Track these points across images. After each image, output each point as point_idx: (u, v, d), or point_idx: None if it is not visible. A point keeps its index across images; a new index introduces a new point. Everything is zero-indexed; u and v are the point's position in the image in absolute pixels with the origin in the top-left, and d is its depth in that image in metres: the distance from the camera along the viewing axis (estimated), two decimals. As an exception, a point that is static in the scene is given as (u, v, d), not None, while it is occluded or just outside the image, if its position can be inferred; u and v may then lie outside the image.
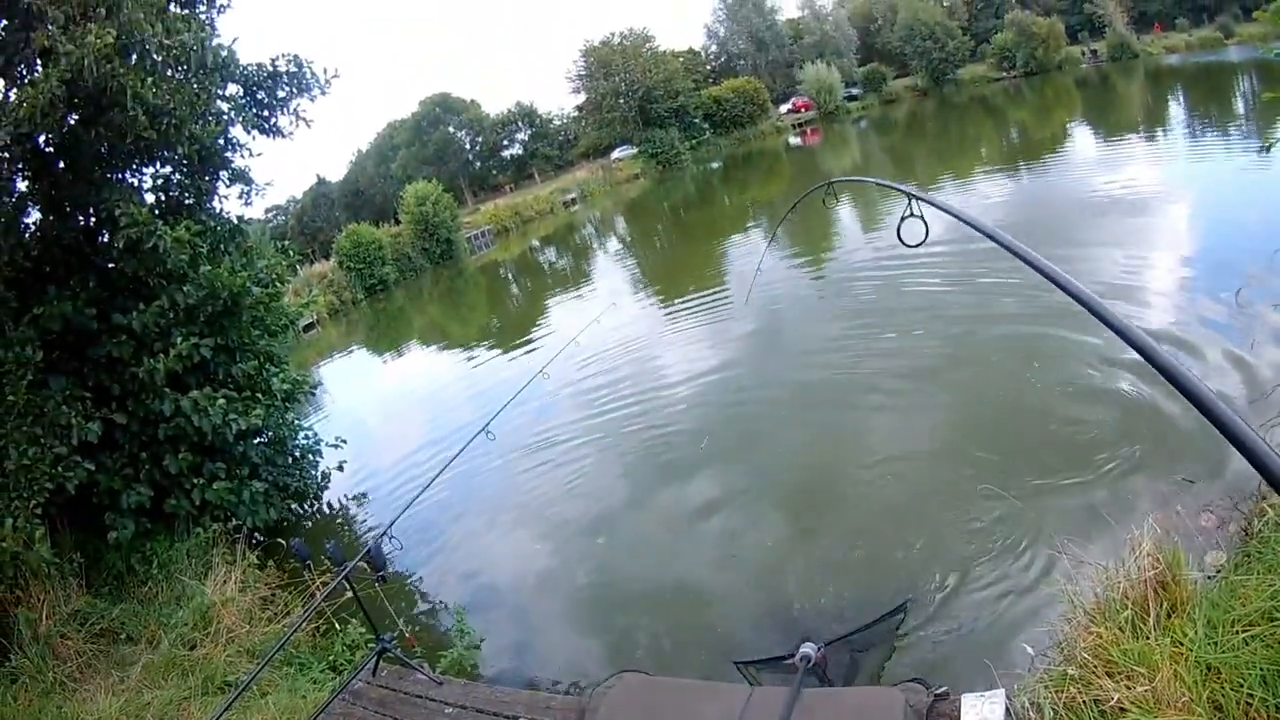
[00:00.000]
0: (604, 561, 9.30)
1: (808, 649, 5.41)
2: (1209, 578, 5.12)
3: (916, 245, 3.89)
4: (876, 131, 66.88)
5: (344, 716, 5.91)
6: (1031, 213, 20.13)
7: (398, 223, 51.66)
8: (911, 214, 3.73)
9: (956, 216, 3.15)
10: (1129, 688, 4.11)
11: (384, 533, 6.41)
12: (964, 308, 13.71)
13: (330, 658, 7.81)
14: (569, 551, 9.69)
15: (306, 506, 12.46)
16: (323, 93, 11.52)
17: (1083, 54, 79.89)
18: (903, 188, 3.98)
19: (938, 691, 4.73)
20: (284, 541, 9.95)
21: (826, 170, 48.80)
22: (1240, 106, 32.11)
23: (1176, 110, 36.70)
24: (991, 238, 2.84)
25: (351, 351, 31.12)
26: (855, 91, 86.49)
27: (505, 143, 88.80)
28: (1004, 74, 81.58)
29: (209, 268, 10.43)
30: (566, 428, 13.50)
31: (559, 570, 9.43)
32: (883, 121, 73.12)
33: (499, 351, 21.93)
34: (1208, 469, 7.47)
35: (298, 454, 12.23)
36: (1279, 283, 9.70)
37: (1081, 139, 30.30)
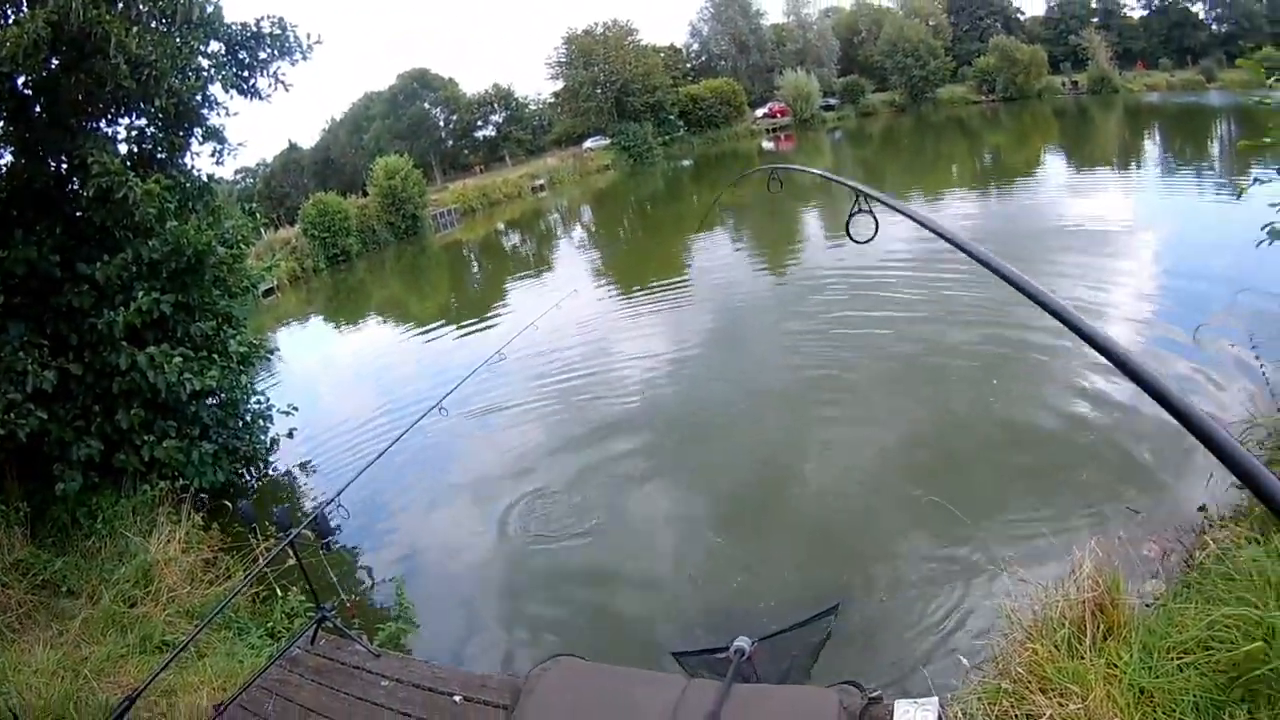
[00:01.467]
0: (547, 546, 9.34)
1: (742, 642, 5.49)
2: (1147, 605, 5.22)
3: (865, 241, 3.91)
4: (851, 143, 67.26)
5: (281, 683, 5.91)
6: (998, 235, 20.34)
7: (365, 194, 51.36)
8: (860, 210, 3.76)
9: (904, 214, 3.20)
10: (1061, 705, 4.19)
11: (331, 500, 6.41)
12: (928, 320, 13.88)
13: (269, 624, 7.79)
14: (513, 533, 9.72)
15: (254, 471, 12.38)
16: (304, 58, 11.47)
17: (1063, 84, 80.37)
18: (849, 183, 4.00)
19: (871, 695, 4.81)
20: (230, 504, 9.92)
21: (798, 177, 48.95)
22: (1216, 150, 32.57)
23: (1152, 148, 37.20)
24: (941, 235, 2.89)
25: (309, 320, 30.94)
26: (833, 102, 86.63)
27: (479, 123, 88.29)
28: (983, 97, 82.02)
29: (175, 224, 10.36)
30: (519, 410, 13.59)
31: (501, 552, 9.46)
32: (858, 134, 73.45)
33: (456, 330, 21.91)
34: (1155, 500, 7.64)
35: (249, 418, 12.14)
36: (1238, 324, 9.87)
37: (1055, 167, 30.69)
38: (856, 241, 3.97)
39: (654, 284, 21.72)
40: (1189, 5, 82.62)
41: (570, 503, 10.10)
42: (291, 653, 6.29)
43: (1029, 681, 4.40)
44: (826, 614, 6.79)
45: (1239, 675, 4.20)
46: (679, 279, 22.60)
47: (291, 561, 6.71)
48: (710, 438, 11.25)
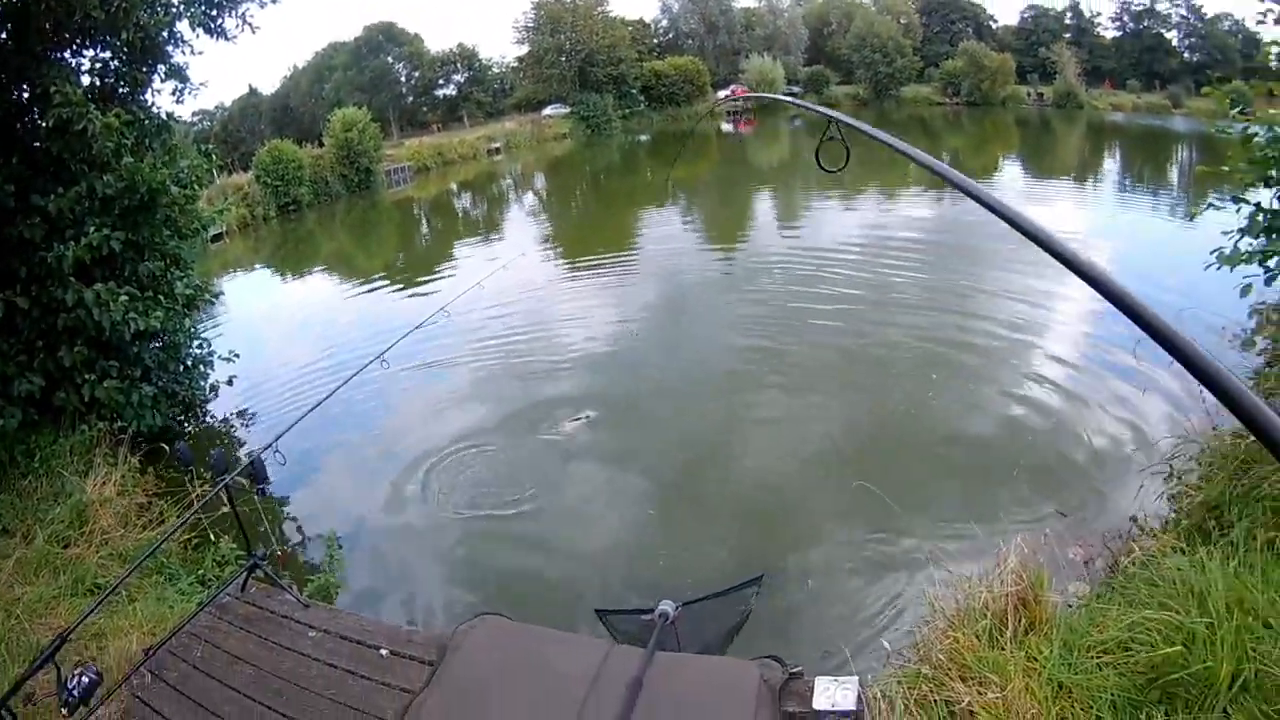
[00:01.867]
0: (478, 507, 9.41)
1: (666, 606, 5.60)
2: (1070, 605, 5.36)
3: (837, 170, 3.91)
4: (809, 132, 67.37)
5: (210, 629, 5.91)
6: (950, 235, 20.56)
7: (321, 145, 50.77)
8: (831, 137, 3.67)
9: (879, 140, 3.15)
10: (980, 693, 4.32)
11: (269, 447, 6.39)
12: (875, 309, 14.08)
13: (200, 571, 7.76)
14: (445, 492, 9.77)
15: (192, 417, 12.28)
16: (274, 1, 11.36)
17: (1028, 94, 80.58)
18: (822, 110, 3.93)
19: (792, 670, 4.90)
20: (166, 447, 9.86)
21: (755, 161, 49.23)
22: (1175, 175, 33.07)
23: (1111, 165, 37.67)
24: (914, 159, 2.82)
25: (255, 269, 30.60)
26: (796, 90, 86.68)
27: (441, 82, 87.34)
28: (946, 99, 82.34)
29: (132, 160, 10.18)
30: (460, 369, 13.67)
31: (432, 509, 9.52)
32: (818, 123, 73.59)
33: (401, 287, 21.87)
34: (1085, 507, 7.83)
35: (190, 362, 12.00)
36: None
37: (1012, 174, 31.04)
38: (826, 170, 3.95)
39: (602, 255, 21.79)
40: (1163, 31, 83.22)
41: (505, 466, 10.20)
42: (221, 599, 6.29)
43: (949, 669, 4.53)
44: (750, 584, 6.88)
45: (1157, 677, 4.35)
46: (628, 251, 22.68)
47: (225, 509, 6.70)
48: (647, 411, 11.42)
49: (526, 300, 17.26)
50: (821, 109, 4.03)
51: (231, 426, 12.62)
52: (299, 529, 9.42)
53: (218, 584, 7.02)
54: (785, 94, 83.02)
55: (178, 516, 8.21)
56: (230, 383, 12.61)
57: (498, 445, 10.67)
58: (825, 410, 10.69)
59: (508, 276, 14.78)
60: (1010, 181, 28.35)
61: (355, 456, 11.09)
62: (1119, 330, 11.24)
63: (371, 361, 7.54)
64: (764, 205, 27.19)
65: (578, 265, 21.46)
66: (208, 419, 12.63)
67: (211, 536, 8.01)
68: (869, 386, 11.20)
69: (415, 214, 42.80)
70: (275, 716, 5.10)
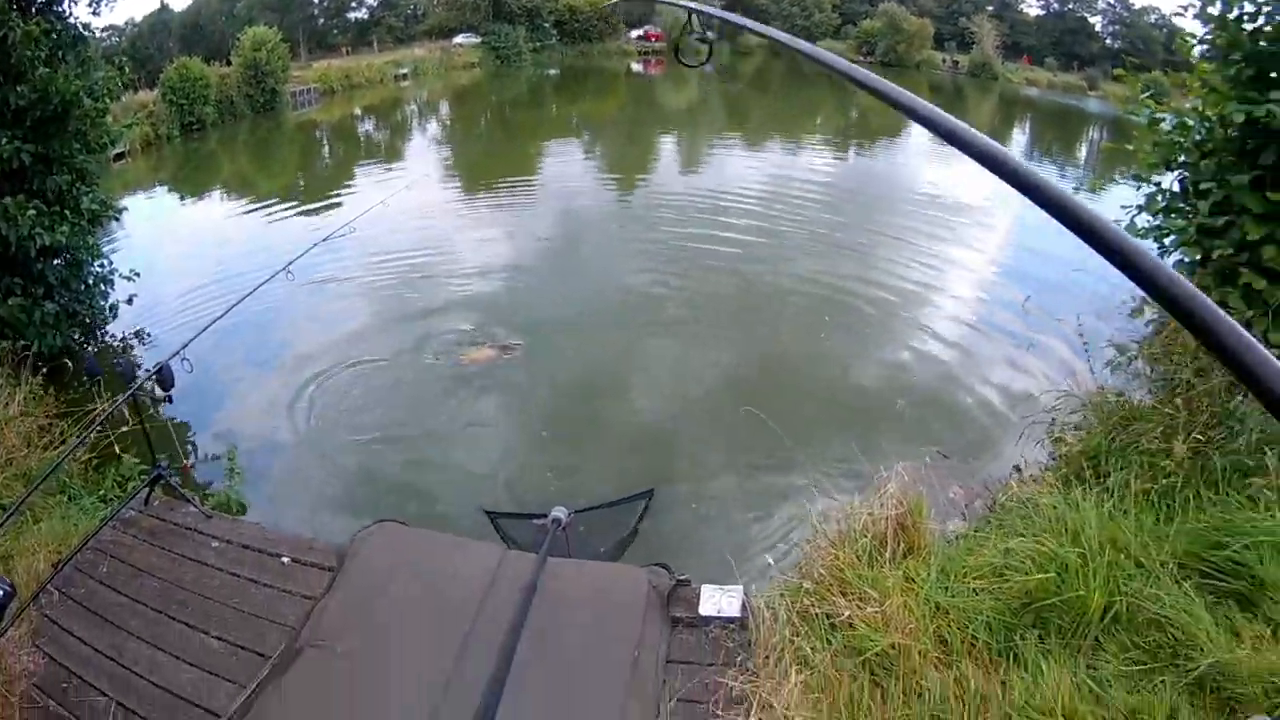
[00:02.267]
0: (377, 421, 9.59)
1: (559, 512, 5.79)
2: (948, 541, 5.66)
3: (696, 66, 3.94)
4: (719, 77, 67.16)
5: (115, 544, 5.97)
6: (854, 188, 20.86)
7: (229, 64, 49.42)
8: (692, 30, 3.66)
9: (744, 27, 3.10)
10: (860, 607, 4.60)
11: (176, 354, 6.42)
12: (775, 249, 14.31)
13: (101, 491, 7.73)
14: (345, 406, 9.94)
15: (91, 338, 12.05)
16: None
17: (943, 61, 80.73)
18: (684, 4, 3.88)
19: (680, 578, 5.17)
20: (70, 363, 9.74)
21: (662, 101, 49.19)
22: (1082, 151, 33.72)
23: (1021, 137, 38.24)
24: (801, 52, 2.67)
25: (156, 189, 29.75)
26: (711, 36, 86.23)
27: (353, 4, 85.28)
28: (861, 58, 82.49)
29: (46, 70, 9.96)
30: (362, 286, 13.74)
31: (332, 423, 9.66)
32: (729, 69, 73.39)
33: (302, 209, 21.54)
34: (965, 450, 8.17)
35: (91, 281, 11.75)
36: (1065, 298, 10.47)
37: (920, 135, 31.36)
38: (686, 65, 4.00)
39: (505, 184, 21.74)
40: (1087, 16, 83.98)
41: (403, 384, 10.39)
42: (126, 514, 6.36)
43: (830, 584, 4.80)
44: (641, 496, 7.16)
45: (1031, 602, 4.68)
46: (530, 182, 22.63)
47: (126, 429, 6.71)
48: (544, 336, 11.59)
49: (428, 224, 17.24)
50: (682, 2, 3.92)
51: (130, 346, 12.38)
52: (200, 443, 9.43)
53: (121, 501, 7.03)
54: (696, 37, 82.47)
55: (79, 436, 8.15)
56: (130, 301, 12.33)
57: (397, 363, 10.85)
58: (718, 344, 11.01)
59: (410, 200, 14.81)
60: (916, 142, 28.63)
61: (257, 372, 11.13)
62: (1011, 291, 11.67)
63: (279, 272, 7.57)
64: (667, 146, 27.23)
65: (479, 193, 21.40)
66: (107, 339, 12.39)
67: (116, 450, 7.95)
68: (762, 324, 11.49)
69: (318, 136, 42.00)
70: (180, 627, 5.21)
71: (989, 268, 13.67)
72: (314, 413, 9.83)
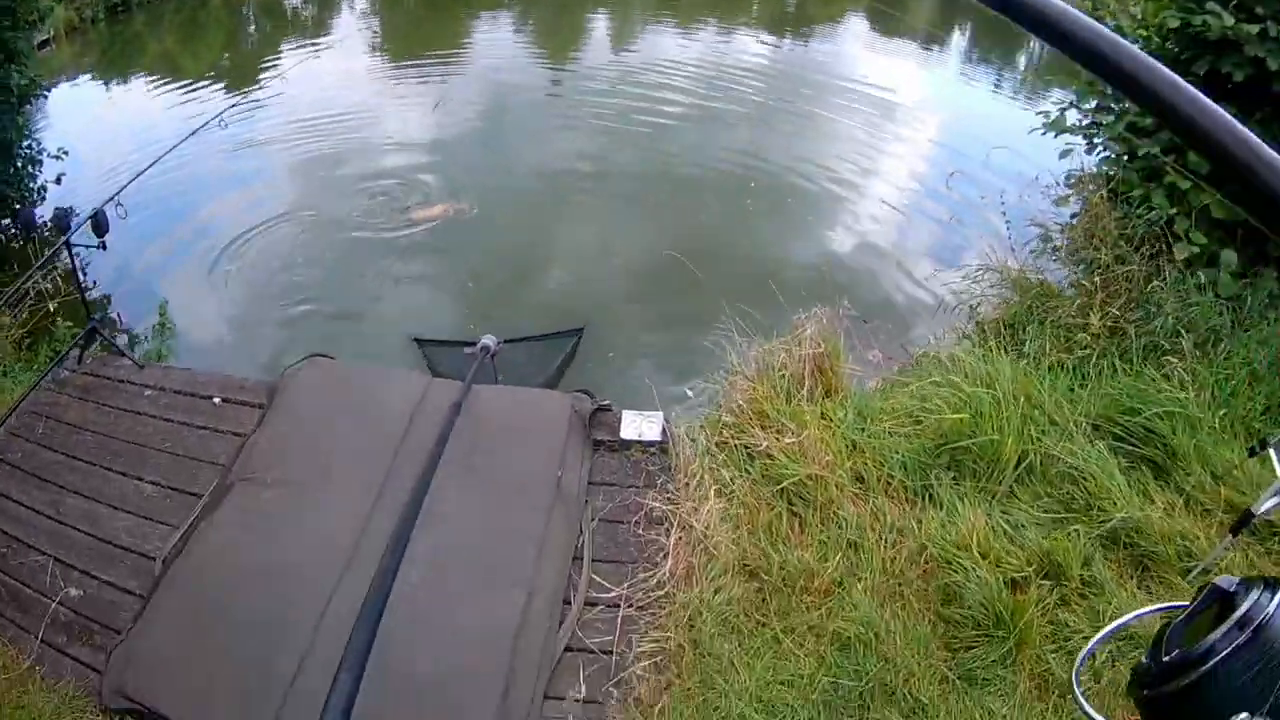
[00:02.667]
0: (302, 274, 9.59)
1: (487, 340, 5.92)
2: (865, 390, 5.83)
3: None
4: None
5: (51, 405, 5.94)
6: (788, 72, 20.62)
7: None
8: None
9: None
10: (778, 438, 4.76)
11: (112, 199, 6.40)
12: (700, 132, 14.23)
13: (36, 366, 7.70)
14: (277, 259, 9.87)
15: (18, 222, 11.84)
16: None
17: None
18: None
19: (602, 403, 5.33)
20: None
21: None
22: (1022, 62, 33.61)
23: (960, 40, 38.04)
24: None
25: (81, 75, 28.90)
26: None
27: None
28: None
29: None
30: (288, 144, 13.29)
31: (265, 274, 9.63)
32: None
33: (229, 87, 21.03)
34: (884, 316, 8.32)
35: (20, 164, 11.53)
36: (991, 177, 10.57)
37: (858, 27, 31.01)
38: None
39: (433, 56, 21.28)
40: None
41: (329, 241, 10.28)
42: (61, 375, 6.29)
43: (749, 417, 4.95)
44: (571, 334, 7.36)
45: (946, 443, 4.85)
46: (457, 55, 22.23)
47: (57, 303, 6.67)
48: (470, 196, 11.36)
49: (352, 93, 16.72)
50: None
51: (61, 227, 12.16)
52: (131, 301, 9.32)
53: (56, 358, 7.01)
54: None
55: (12, 314, 8.06)
56: (59, 181, 12.11)
57: (322, 220, 10.70)
58: (645, 211, 11.02)
59: (335, 66, 14.48)
60: (854, 33, 28.30)
61: (184, 224, 10.89)
62: (937, 174, 11.79)
63: (211, 120, 7.50)
64: (600, 22, 26.86)
65: (407, 64, 20.99)
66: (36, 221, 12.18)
67: (52, 306, 7.92)
68: (689, 195, 11.44)
69: (244, 13, 40.88)
70: (115, 477, 5.24)
71: (917, 152, 13.74)
72: (244, 267, 9.71)
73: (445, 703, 3.82)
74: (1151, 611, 1.30)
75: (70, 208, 6.57)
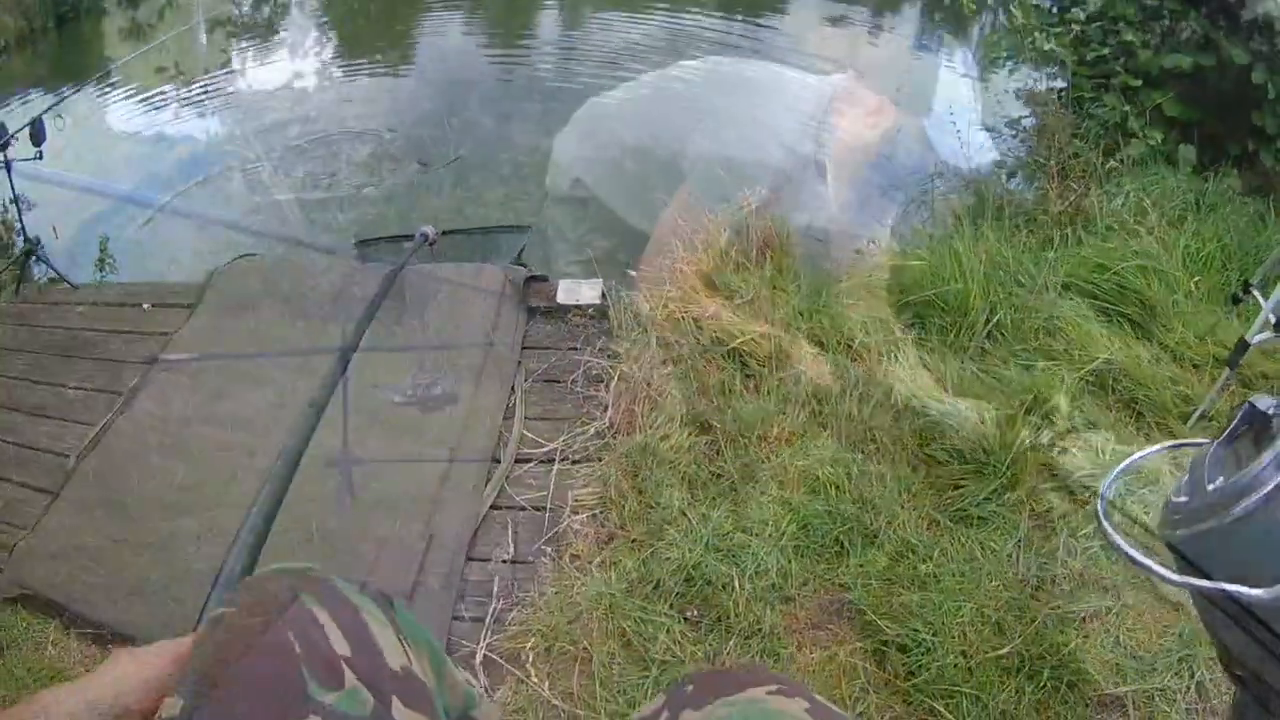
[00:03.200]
0: (245, 169, 9.29)
1: (426, 229, 5.69)
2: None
3: None
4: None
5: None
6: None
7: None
8: None
9: None
10: (728, 301, 4.48)
11: (51, 108, 6.43)
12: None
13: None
14: (213, 163, 9.61)
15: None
16: None
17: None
18: None
19: (537, 274, 5.09)
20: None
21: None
22: (975, 32, 33.64)
23: (911, 11, 38.13)
24: None
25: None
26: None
27: None
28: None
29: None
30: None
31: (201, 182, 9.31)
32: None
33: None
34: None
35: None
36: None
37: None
38: None
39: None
40: None
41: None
42: None
43: (697, 289, 4.66)
44: (517, 229, 7.04)
45: (908, 300, 4.72)
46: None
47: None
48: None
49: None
50: None
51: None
52: (66, 226, 9.18)
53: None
54: None
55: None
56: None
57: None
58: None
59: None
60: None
61: (118, 153, 10.52)
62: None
63: (171, 35, 7.36)
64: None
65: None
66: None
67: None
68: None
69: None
70: (38, 387, 5.10)
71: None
72: (179, 177, 9.42)
73: (360, 564, 3.57)
74: (1183, 444, 1.19)
75: (2, 123, 6.33)
